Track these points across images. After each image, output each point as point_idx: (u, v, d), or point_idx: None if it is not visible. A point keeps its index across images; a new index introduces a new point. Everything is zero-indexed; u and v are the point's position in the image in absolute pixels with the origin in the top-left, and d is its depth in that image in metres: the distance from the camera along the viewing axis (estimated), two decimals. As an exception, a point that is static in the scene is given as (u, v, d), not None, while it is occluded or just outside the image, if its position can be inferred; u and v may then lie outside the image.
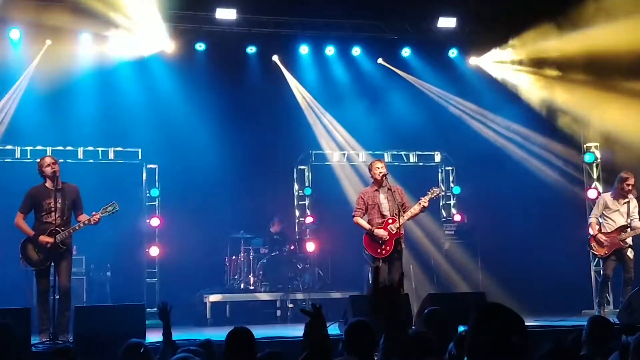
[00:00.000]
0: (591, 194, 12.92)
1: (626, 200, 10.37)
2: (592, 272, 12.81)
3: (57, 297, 8.46)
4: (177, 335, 9.22)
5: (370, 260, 9.67)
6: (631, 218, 10.34)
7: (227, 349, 4.70)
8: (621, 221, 10.33)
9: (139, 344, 5.56)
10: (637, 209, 10.44)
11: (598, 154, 13.30)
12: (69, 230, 8.69)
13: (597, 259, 12.68)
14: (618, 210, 10.36)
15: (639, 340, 3.98)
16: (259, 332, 8.22)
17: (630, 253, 10.30)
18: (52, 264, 8.64)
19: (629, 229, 10.28)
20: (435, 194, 9.75)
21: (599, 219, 10.52)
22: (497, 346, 2.87)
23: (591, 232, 10.46)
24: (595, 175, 13.27)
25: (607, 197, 10.50)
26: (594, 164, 13.32)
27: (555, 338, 5.55)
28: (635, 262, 10.32)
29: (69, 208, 8.79)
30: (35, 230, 8.71)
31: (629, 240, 10.35)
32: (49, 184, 8.74)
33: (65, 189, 8.78)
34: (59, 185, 8.69)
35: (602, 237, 10.29)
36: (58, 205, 8.61)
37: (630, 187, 10.32)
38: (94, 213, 8.75)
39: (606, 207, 10.43)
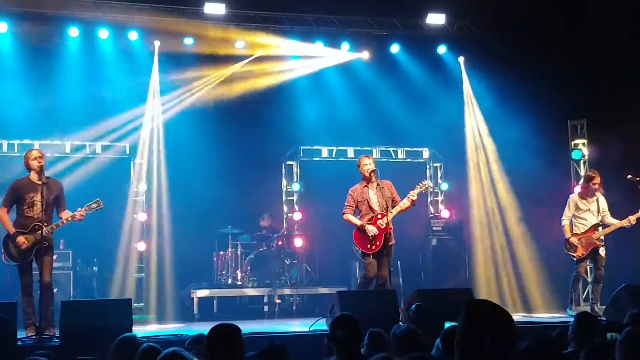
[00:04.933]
0: (578, 190, 12.97)
1: (594, 198, 10.46)
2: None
3: (40, 292, 8.43)
4: (164, 330, 9.25)
5: (361, 256, 9.68)
6: (602, 215, 10.43)
7: (210, 346, 4.56)
8: (593, 220, 10.41)
9: (133, 336, 5.54)
10: (606, 206, 10.56)
11: (585, 151, 13.35)
12: (52, 226, 8.63)
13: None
14: (589, 209, 10.45)
15: (624, 337, 4.01)
16: (247, 327, 8.23)
17: (602, 251, 10.42)
18: (34, 259, 8.61)
19: (600, 227, 10.38)
20: (424, 188, 9.78)
21: (572, 219, 10.53)
22: (485, 343, 2.87)
23: (566, 235, 10.43)
24: (582, 172, 13.30)
25: (576, 197, 10.55)
26: (581, 161, 13.36)
27: (538, 335, 5.57)
28: (606, 260, 10.45)
29: (52, 203, 8.72)
30: (17, 225, 8.64)
31: (602, 239, 10.45)
32: (33, 177, 8.67)
33: (50, 184, 8.69)
34: (44, 179, 8.61)
35: (575, 241, 10.30)
36: (42, 199, 8.53)
37: (597, 186, 10.43)
38: (78, 209, 8.69)
39: (577, 207, 10.48)
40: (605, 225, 10.39)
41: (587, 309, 10.04)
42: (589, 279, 12.83)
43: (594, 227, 10.37)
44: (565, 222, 10.46)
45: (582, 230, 10.41)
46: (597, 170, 10.65)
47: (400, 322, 8.11)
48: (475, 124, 14.39)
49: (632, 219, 10.24)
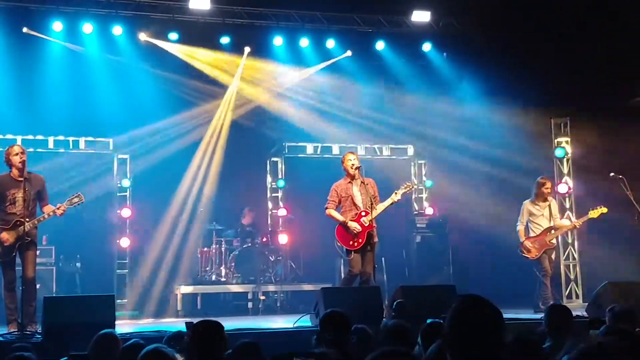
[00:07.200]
0: (561, 188, 13.07)
1: (547, 203, 11.02)
2: (562, 266, 12.96)
3: (23, 287, 8.37)
4: (147, 326, 9.22)
5: (343, 253, 9.68)
6: (554, 218, 11.03)
7: (192, 342, 4.53)
8: (546, 224, 10.98)
9: (111, 333, 5.52)
10: (557, 211, 11.26)
11: (569, 149, 13.41)
12: (34, 222, 8.56)
13: (566, 253, 12.96)
14: (542, 214, 11.02)
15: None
16: (231, 324, 8.23)
17: (552, 255, 11.14)
18: (18, 254, 8.54)
19: (553, 230, 10.96)
20: (408, 189, 9.80)
21: (528, 224, 11.10)
22: (475, 338, 2.86)
23: (521, 239, 10.99)
24: (565, 170, 13.38)
25: (529, 204, 11.11)
26: (565, 159, 13.42)
27: (518, 331, 5.58)
28: (554, 263, 11.33)
29: (34, 198, 8.64)
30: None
31: (554, 241, 11.15)
32: (14, 173, 8.58)
33: (31, 179, 8.61)
34: (25, 175, 8.53)
35: (528, 244, 10.90)
36: (24, 195, 8.45)
37: (548, 191, 11.02)
38: (59, 205, 8.61)
39: (530, 213, 11.07)
40: (556, 228, 11.00)
41: (569, 305, 10.10)
42: (572, 276, 13.00)
43: (547, 230, 10.93)
44: (519, 227, 11.06)
45: (537, 234, 10.96)
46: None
47: (384, 318, 8.13)
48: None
49: (577, 223, 11.19)
